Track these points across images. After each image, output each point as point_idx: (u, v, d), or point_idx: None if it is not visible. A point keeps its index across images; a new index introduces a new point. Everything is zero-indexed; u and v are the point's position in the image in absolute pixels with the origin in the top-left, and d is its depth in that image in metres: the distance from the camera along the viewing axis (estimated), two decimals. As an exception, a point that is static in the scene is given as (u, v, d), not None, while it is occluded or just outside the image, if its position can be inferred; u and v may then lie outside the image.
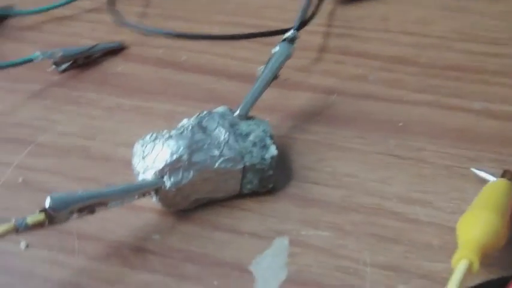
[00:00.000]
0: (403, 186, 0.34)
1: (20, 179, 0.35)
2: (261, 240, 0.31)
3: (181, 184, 0.32)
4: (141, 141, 0.33)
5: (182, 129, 0.33)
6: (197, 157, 0.32)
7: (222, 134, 0.33)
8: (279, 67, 0.37)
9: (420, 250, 0.31)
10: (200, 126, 0.33)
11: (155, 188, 0.31)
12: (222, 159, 0.32)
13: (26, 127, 0.39)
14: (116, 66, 0.45)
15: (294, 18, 0.44)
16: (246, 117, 0.35)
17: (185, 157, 0.32)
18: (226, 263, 0.30)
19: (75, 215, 0.29)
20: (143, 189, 0.31)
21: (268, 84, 0.37)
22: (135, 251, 0.31)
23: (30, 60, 0.42)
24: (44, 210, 0.28)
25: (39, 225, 0.28)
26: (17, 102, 0.42)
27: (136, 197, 0.31)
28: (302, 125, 0.39)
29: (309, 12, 0.46)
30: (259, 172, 0.33)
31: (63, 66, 0.44)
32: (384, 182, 0.34)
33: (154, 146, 0.33)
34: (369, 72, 0.43)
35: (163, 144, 0.32)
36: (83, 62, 0.45)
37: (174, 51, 0.46)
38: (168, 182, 0.31)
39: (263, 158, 0.33)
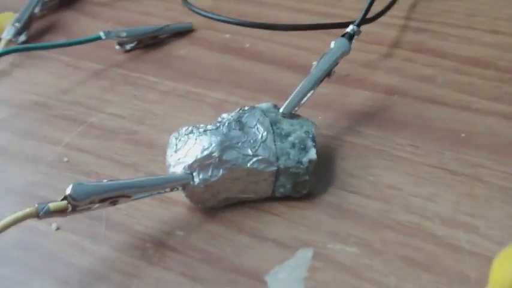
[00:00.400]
0: (450, 206, 0.31)
1: (65, 159, 0.36)
2: (284, 249, 0.30)
3: (210, 181, 0.31)
4: (176, 134, 0.33)
5: (219, 124, 0.32)
6: (229, 155, 0.31)
7: (259, 132, 0.32)
8: (333, 64, 0.35)
9: (454, 281, 0.28)
10: (239, 122, 0.33)
11: (183, 183, 0.31)
12: (255, 159, 0.31)
13: (81, 106, 0.40)
14: (180, 48, 0.45)
15: (374, 10, 0.42)
16: (290, 115, 0.34)
17: (216, 154, 0.31)
18: (243, 270, 0.29)
19: (96, 205, 0.29)
20: (170, 184, 0.31)
21: (319, 81, 0.35)
22: (156, 245, 0.31)
23: (94, 39, 0.43)
24: (65, 197, 0.28)
25: (60, 212, 0.28)
26: (77, 79, 0.43)
27: (163, 191, 0.31)
28: (355, 126, 0.37)
29: (388, 2, 0.44)
30: (294, 176, 0.32)
31: (128, 46, 0.44)
32: (429, 199, 0.32)
33: (187, 140, 0.32)
34: (439, 73, 0.40)
35: (196, 139, 0.32)
36: (149, 42, 0.45)
37: (240, 37, 0.45)
38: (196, 178, 0.31)
39: (299, 162, 0.32)
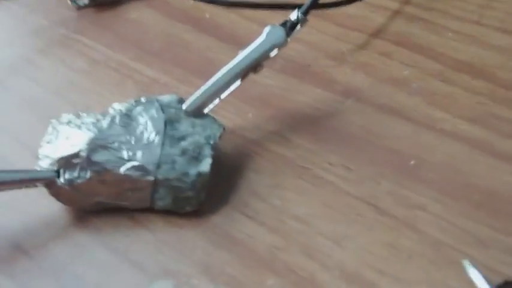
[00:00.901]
0: (359, 256, 0.25)
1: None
2: (142, 276, 0.25)
3: (77, 183, 0.26)
4: (55, 121, 0.28)
5: (101, 117, 0.27)
6: (99, 156, 0.26)
7: (147, 131, 0.27)
8: (260, 58, 0.29)
9: None
10: (126, 116, 0.27)
11: (45, 181, 0.27)
12: (130, 164, 0.26)
13: (4, 66, 0.36)
14: (135, 10, 0.40)
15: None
16: (196, 113, 0.28)
17: (84, 153, 0.26)
18: (85, 294, 0.25)
19: None
20: (30, 181, 0.27)
21: (237, 76, 0.29)
22: (11, 247, 0.27)
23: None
24: None
25: None
26: (17, 34, 0.39)
27: (22, 187, 0.27)
28: (286, 132, 0.30)
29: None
30: (174, 190, 0.26)
31: (81, 2, 0.40)
32: (338, 242, 0.25)
33: (62, 131, 0.27)
34: (416, 76, 0.33)
35: (69, 132, 0.27)
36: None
37: (204, 5, 0.39)
38: (62, 178, 0.26)
39: (185, 173, 0.26)
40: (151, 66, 0.35)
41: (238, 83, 0.29)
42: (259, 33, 0.32)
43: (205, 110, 0.29)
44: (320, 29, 0.36)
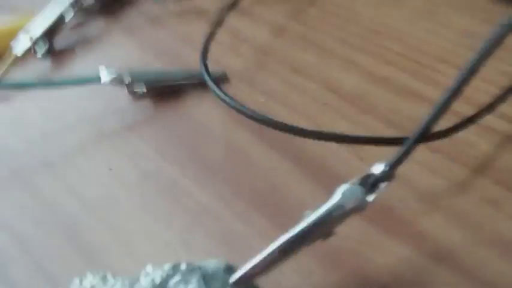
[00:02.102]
0: None
1: None
2: None
3: None
4: (77, 282, 0.24)
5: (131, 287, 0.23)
6: None
7: (183, 312, 0.22)
8: (334, 222, 0.24)
9: None
10: (159, 289, 0.23)
11: None
12: None
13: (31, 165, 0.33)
14: (195, 104, 0.35)
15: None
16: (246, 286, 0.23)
17: None
18: None
19: None
20: None
21: (301, 245, 0.23)
22: None
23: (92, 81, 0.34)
24: None
25: None
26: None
27: None
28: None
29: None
30: None
31: (139, 89, 0.36)
32: None
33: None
34: None
35: (89, 305, 0.23)
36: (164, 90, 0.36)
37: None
38: None
39: None
40: (205, 187, 0.30)
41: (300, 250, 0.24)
42: (335, 155, 0.27)
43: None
44: (412, 155, 0.30)
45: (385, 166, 0.24)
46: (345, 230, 0.27)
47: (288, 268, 0.26)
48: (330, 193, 0.24)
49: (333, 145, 0.31)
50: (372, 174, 0.24)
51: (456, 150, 0.30)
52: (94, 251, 0.28)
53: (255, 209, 0.29)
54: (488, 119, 0.31)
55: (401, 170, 0.28)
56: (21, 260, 0.29)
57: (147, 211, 0.30)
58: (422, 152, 0.30)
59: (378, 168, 0.24)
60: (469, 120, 0.29)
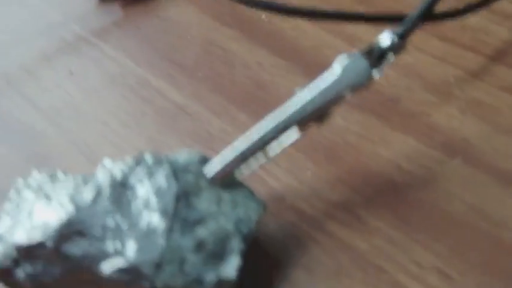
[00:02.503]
0: None
1: None
2: None
3: (41, 280, 0.19)
4: (20, 182, 0.20)
5: (84, 183, 0.19)
6: (73, 248, 0.18)
7: (147, 210, 0.19)
8: (331, 102, 0.20)
9: None
10: (120, 186, 0.19)
11: (-1, 271, 0.19)
12: (117, 263, 0.18)
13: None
14: (170, 6, 0.31)
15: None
16: (225, 181, 0.20)
17: (50, 244, 0.18)
18: None
19: None
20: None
21: (291, 128, 0.20)
22: None
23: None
24: None
25: None
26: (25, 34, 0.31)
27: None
28: (357, 206, 0.21)
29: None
30: (181, 302, 0.18)
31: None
32: None
33: (25, 201, 0.20)
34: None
35: (34, 205, 0.19)
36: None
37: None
38: (20, 271, 0.19)
39: (198, 281, 0.18)
40: (180, 87, 0.27)
41: (294, 135, 0.20)
42: (332, 46, 0.24)
43: (242, 173, 0.20)
44: (418, 45, 0.26)
45: (394, 34, 0.20)
46: (342, 123, 0.24)
47: (278, 166, 0.23)
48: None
49: (323, 35, 0.27)
50: (377, 46, 0.20)
51: (468, 37, 0.27)
52: (54, 162, 0.24)
53: (237, 107, 0.25)
54: (503, 5, 0.27)
55: (406, 59, 0.24)
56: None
57: (113, 115, 0.26)
58: (429, 40, 0.26)
59: (385, 38, 0.20)
60: (479, 4, 0.25)
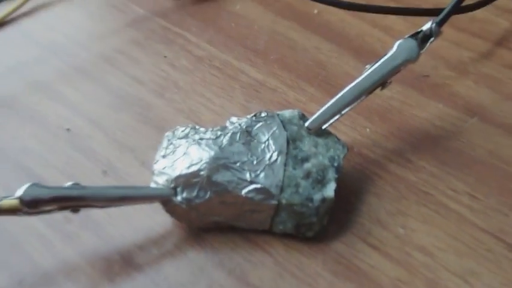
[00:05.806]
0: (489, 294, 0.26)
1: (67, 127, 0.34)
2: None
3: (195, 203, 0.28)
4: (169, 134, 0.29)
5: (220, 133, 0.28)
6: (220, 176, 0.27)
7: (269, 151, 0.28)
8: (390, 73, 0.29)
9: None
10: (246, 133, 0.28)
11: (162, 199, 0.28)
12: (252, 187, 0.27)
13: (104, 61, 0.37)
14: (235, 2, 0.40)
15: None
16: (318, 131, 0.29)
17: (204, 173, 0.27)
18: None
19: (55, 210, 0.27)
20: (146, 198, 0.28)
21: (364, 93, 0.29)
22: (124, 260, 0.28)
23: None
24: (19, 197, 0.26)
25: (12, 212, 0.26)
26: (113, 26, 0.40)
27: (137, 203, 0.28)
28: (407, 151, 0.31)
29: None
30: (298, 215, 0.27)
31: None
32: (465, 278, 0.26)
33: (179, 146, 0.29)
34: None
35: (187, 148, 0.28)
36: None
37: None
38: (179, 196, 0.28)
39: (309, 199, 0.27)
40: (257, 67, 0.36)
41: (363, 98, 0.29)
42: (371, 35, 0.33)
43: (325, 126, 0.29)
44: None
45: (433, 23, 0.30)
46: (389, 94, 0.33)
47: (345, 125, 0.32)
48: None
49: (367, 27, 0.37)
50: (421, 31, 0.30)
51: (477, 27, 0.36)
52: (170, 125, 0.33)
53: (305, 82, 0.34)
54: (504, 1, 0.37)
55: (432, 45, 0.33)
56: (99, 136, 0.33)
57: (207, 89, 0.35)
58: (447, 30, 0.36)
59: (427, 26, 0.30)
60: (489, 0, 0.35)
